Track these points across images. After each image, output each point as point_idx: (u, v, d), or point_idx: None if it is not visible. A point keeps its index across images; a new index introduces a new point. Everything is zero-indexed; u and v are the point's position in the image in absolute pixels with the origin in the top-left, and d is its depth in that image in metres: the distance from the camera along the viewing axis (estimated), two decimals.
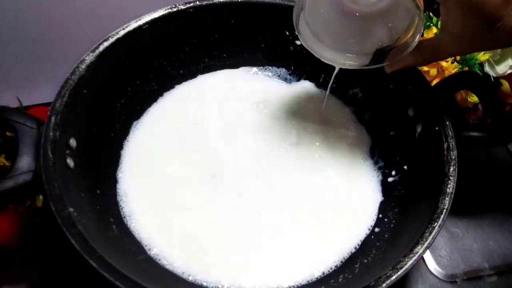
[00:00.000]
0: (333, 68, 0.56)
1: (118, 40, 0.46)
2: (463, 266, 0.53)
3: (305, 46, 0.44)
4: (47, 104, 0.57)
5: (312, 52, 0.44)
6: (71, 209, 0.35)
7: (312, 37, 0.43)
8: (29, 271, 0.51)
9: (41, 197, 0.52)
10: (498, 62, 0.60)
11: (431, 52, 0.41)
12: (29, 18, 0.58)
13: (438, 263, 0.53)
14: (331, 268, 0.44)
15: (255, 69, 0.59)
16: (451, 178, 0.40)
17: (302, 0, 0.41)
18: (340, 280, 0.42)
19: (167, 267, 0.42)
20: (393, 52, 0.41)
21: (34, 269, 0.51)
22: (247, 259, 0.44)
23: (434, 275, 0.53)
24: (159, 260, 0.42)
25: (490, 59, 0.59)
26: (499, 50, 0.58)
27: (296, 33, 0.43)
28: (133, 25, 0.47)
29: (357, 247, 0.45)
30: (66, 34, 0.61)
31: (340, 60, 0.44)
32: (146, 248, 0.43)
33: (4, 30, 0.58)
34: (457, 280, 0.52)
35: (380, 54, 0.42)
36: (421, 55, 0.41)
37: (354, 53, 0.43)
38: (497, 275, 0.53)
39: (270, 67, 0.59)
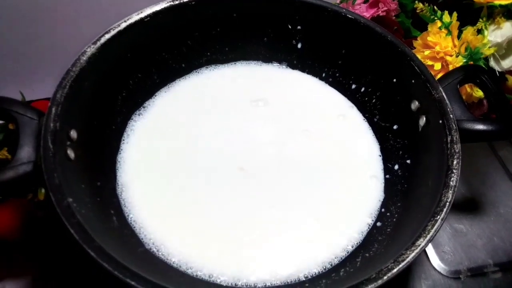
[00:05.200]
0: (336, 62, 0.56)
1: (119, 32, 0.46)
2: (467, 263, 0.53)
3: None
4: (49, 99, 0.57)
5: None
6: (71, 199, 0.35)
7: None
8: (30, 264, 0.51)
9: (43, 190, 0.52)
10: (504, 56, 0.59)
11: None
12: (31, 13, 0.58)
13: (441, 259, 0.53)
14: (333, 262, 0.43)
15: (257, 63, 0.58)
16: (454, 171, 0.39)
17: None
18: (341, 274, 0.41)
19: (167, 259, 0.42)
20: None
21: (35, 262, 0.51)
22: (248, 253, 0.43)
23: (438, 271, 0.52)
24: (159, 252, 0.42)
25: (495, 53, 0.58)
26: (504, 45, 0.58)
27: None
28: (134, 17, 0.47)
29: (360, 241, 0.45)
30: (69, 29, 0.61)
31: None
32: (145, 240, 0.43)
33: (8, 25, 0.58)
34: (460, 276, 0.52)
35: None
36: None
37: None
38: (502, 271, 0.53)
39: (272, 61, 0.59)
